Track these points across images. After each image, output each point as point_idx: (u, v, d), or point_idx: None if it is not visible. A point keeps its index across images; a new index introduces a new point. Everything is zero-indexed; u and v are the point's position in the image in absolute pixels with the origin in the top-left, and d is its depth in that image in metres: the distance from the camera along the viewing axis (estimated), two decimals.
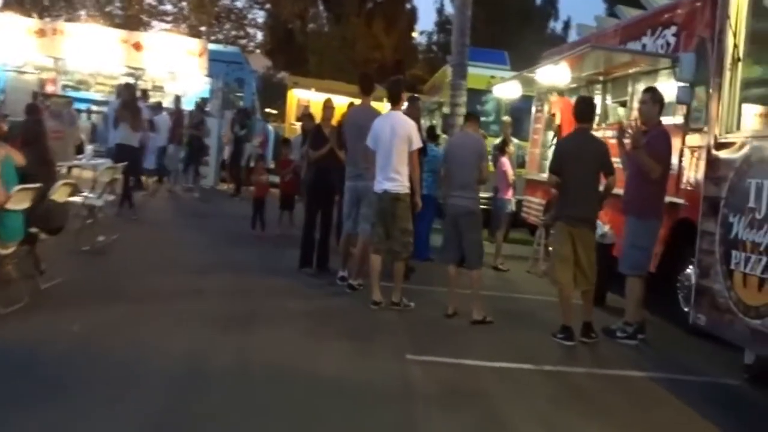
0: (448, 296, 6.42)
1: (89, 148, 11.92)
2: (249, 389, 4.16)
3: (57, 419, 3.54)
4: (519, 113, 12.67)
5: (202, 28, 29.01)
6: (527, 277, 8.99)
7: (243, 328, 5.39)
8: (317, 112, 9.31)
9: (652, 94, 6.09)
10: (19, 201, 5.21)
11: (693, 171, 6.55)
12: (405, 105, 7.08)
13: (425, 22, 47.65)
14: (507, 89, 11.68)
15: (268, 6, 31.90)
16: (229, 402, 3.95)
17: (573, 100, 8.12)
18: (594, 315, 6.03)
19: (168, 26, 28.75)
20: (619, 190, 6.17)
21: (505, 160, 9.40)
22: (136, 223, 9.98)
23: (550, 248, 9.00)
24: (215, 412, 3.83)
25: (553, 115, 9.54)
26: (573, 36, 28.20)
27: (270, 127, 19.63)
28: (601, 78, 9.20)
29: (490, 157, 8.55)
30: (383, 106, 8.12)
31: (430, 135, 9.72)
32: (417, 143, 6.47)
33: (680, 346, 6.07)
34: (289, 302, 6.42)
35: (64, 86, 17.72)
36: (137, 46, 17.10)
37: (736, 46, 4.62)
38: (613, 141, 6.89)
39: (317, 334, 5.48)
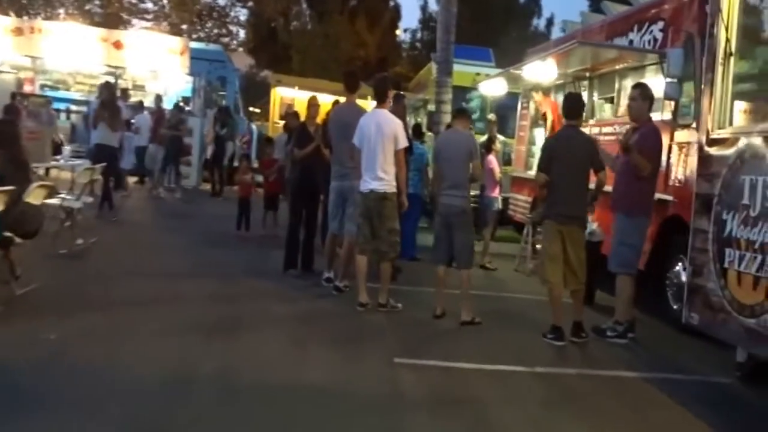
0: (436, 297, 6.31)
1: (67, 148, 11.65)
2: (232, 397, 4.03)
3: None
4: (504, 110, 12.61)
5: (184, 26, 28.67)
6: (515, 276, 8.92)
7: (226, 334, 5.25)
8: (302, 111, 9.17)
9: (642, 90, 6.02)
10: None
11: (682, 168, 6.50)
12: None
13: (409, 20, 47.38)
14: (493, 86, 11.61)
15: (250, 4, 31.62)
16: (212, 412, 3.83)
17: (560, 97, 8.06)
18: (584, 314, 5.94)
19: (149, 24, 28.36)
20: (607, 187, 6.09)
21: (491, 158, 9.32)
22: (116, 225, 9.78)
23: (538, 246, 8.96)
24: (197, 422, 3.71)
25: (544, 114, 9.43)
26: (556, 33, 28.38)
27: (254, 126, 19.44)
28: (587, 74, 9.14)
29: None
30: (368, 104, 8.00)
31: (416, 133, 9.61)
32: (403, 142, 6.34)
33: (671, 345, 6.02)
34: (273, 306, 6.29)
35: (43, 86, 17.46)
36: (117, 45, 16.83)
37: (728, 40, 4.54)
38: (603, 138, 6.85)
39: (302, 338, 5.35)
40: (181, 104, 15.10)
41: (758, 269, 4.01)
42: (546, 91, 10.18)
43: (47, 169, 11.57)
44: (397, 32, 34.61)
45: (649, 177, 5.82)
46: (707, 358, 5.53)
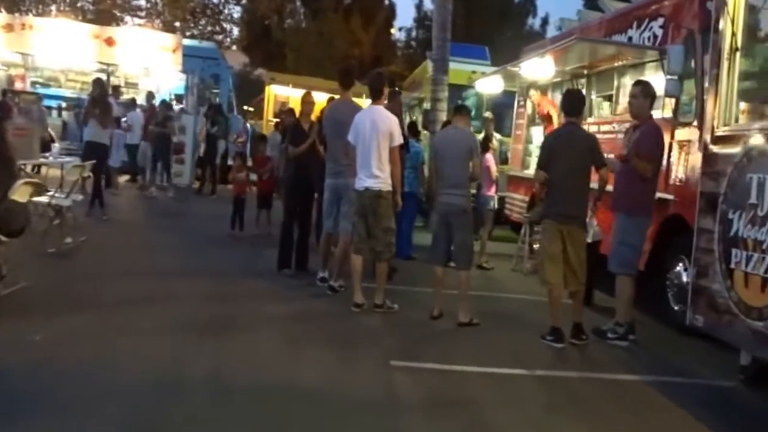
0: (433, 297, 6.19)
1: (56, 145, 11.48)
2: (225, 400, 3.90)
3: None
4: (500, 108, 12.49)
5: (177, 24, 28.47)
6: (512, 276, 8.82)
7: (219, 335, 5.12)
8: (297, 108, 9.03)
9: (643, 87, 5.90)
10: None
11: (682, 166, 6.40)
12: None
13: (404, 18, 47.39)
14: (489, 84, 11.50)
15: (244, 1, 31.48)
16: (204, 415, 3.72)
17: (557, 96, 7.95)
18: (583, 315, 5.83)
19: (141, 21, 28.17)
20: (609, 187, 5.98)
21: (489, 156, 9.23)
22: (107, 223, 9.62)
23: (535, 246, 8.86)
24: (191, 422, 3.61)
25: (548, 113, 9.29)
26: (551, 32, 28.35)
27: (248, 125, 19.28)
28: (585, 72, 9.03)
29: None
30: (363, 103, 7.88)
31: (412, 131, 9.49)
32: (398, 139, 6.22)
33: (672, 347, 5.92)
34: (267, 306, 6.16)
35: (34, 83, 17.28)
36: (110, 42, 16.62)
37: (734, 34, 4.43)
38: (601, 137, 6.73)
39: (297, 339, 5.22)
40: (173, 101, 14.91)
41: (767, 270, 3.90)
42: (544, 90, 10.06)
43: (39, 167, 11.44)
44: (392, 31, 34.54)
45: (650, 176, 5.71)
46: (709, 361, 5.43)
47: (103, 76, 15.29)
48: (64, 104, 16.68)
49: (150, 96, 15.20)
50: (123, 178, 14.85)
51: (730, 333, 4.32)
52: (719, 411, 4.50)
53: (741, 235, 4.13)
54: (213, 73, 18.00)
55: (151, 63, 16.77)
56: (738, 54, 4.45)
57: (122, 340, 4.79)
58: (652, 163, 5.68)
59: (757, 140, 4.15)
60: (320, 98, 9.07)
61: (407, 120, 11.47)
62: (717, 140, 4.58)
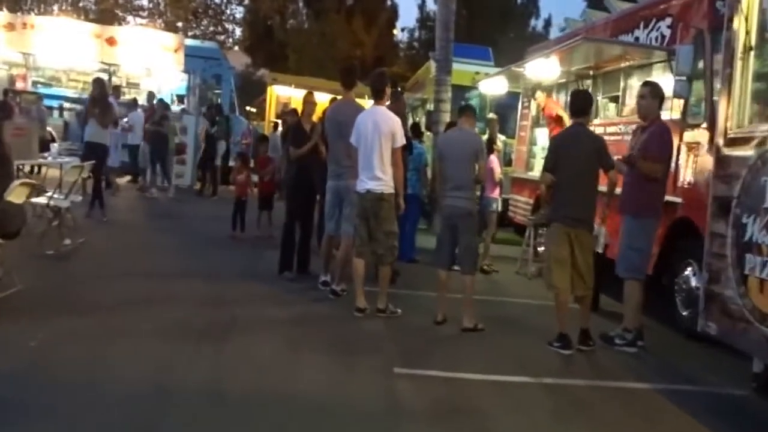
0: (437, 302, 6.07)
1: (55, 145, 11.37)
2: (223, 408, 3.80)
3: None
4: (504, 110, 12.38)
5: (179, 24, 28.40)
6: (516, 279, 8.69)
7: (218, 340, 5.00)
8: (299, 109, 8.93)
9: (652, 88, 5.78)
10: None
11: (691, 168, 6.28)
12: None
13: (406, 19, 47.26)
14: (493, 85, 11.38)
15: (246, 2, 31.42)
16: (202, 422, 3.63)
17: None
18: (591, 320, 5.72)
19: (144, 21, 28.10)
20: (618, 189, 5.86)
21: (493, 158, 9.09)
22: (106, 225, 9.52)
23: (540, 249, 8.74)
24: (189, 426, 3.56)
25: (557, 115, 9.14)
26: (554, 34, 28.21)
27: (251, 126, 19.19)
28: (591, 72, 8.92)
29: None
30: (366, 104, 7.77)
31: (415, 132, 9.38)
32: (401, 140, 6.09)
33: (681, 353, 5.80)
34: (268, 309, 6.05)
35: (35, 83, 17.21)
36: (111, 41, 16.54)
37: (747, 33, 4.30)
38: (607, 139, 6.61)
39: (298, 345, 5.11)
40: (174, 101, 14.82)
41: None
42: (549, 91, 9.94)
43: (39, 167, 11.34)
44: (395, 31, 34.42)
45: (659, 177, 5.59)
46: (718, 368, 5.32)
47: (105, 76, 15.24)
48: (65, 104, 16.60)
49: (150, 96, 15.11)
50: (124, 179, 14.75)
51: (744, 341, 4.20)
52: (731, 420, 4.39)
53: (755, 240, 4.00)
54: (215, 73, 17.93)
55: (152, 63, 16.71)
56: (752, 53, 4.33)
57: (121, 343, 4.71)
58: (660, 164, 5.56)
59: None
60: (322, 99, 8.97)
61: (410, 121, 11.36)
62: (730, 142, 4.45)
